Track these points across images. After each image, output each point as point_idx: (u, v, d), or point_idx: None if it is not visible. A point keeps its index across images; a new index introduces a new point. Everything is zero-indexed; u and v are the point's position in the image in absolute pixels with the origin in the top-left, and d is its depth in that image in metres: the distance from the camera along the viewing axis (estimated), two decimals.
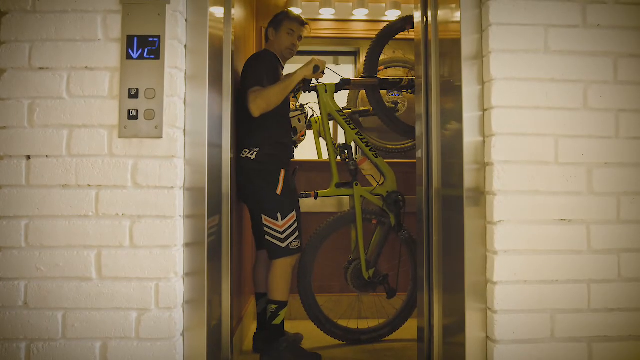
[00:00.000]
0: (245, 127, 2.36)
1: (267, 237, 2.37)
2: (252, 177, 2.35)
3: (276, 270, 2.36)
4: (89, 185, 1.43)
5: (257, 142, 2.37)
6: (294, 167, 2.61)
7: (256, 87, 2.32)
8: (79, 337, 1.41)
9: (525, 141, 1.48)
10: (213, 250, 1.58)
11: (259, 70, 2.37)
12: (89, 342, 1.41)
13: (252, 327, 2.94)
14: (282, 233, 2.35)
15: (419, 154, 1.88)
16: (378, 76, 2.86)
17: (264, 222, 2.36)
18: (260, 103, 2.30)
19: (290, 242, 2.36)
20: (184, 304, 1.47)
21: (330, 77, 2.70)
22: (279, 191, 2.35)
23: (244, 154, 2.34)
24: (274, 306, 2.36)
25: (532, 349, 1.45)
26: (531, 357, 1.45)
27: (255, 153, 2.35)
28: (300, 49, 2.67)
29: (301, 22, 2.58)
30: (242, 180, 2.35)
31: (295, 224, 2.38)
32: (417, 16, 1.90)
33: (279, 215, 2.34)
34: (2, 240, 1.42)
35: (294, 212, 2.38)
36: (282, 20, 2.55)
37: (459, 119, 1.54)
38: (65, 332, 1.41)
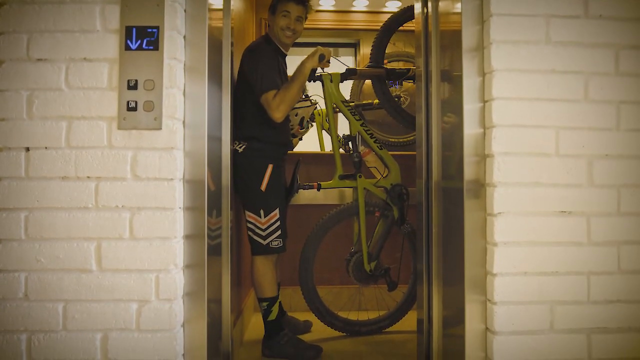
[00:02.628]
0: (237, 118, 2.33)
1: (249, 232, 2.36)
2: (239, 170, 2.32)
3: (258, 268, 2.36)
4: (88, 177, 1.43)
5: (246, 136, 2.34)
6: (297, 159, 2.61)
7: (273, 92, 2.28)
8: (79, 328, 1.42)
9: (525, 133, 1.47)
10: (213, 242, 1.58)
11: (268, 71, 2.31)
12: (89, 333, 1.42)
13: (252, 320, 2.96)
14: (264, 230, 2.33)
15: (419, 146, 1.88)
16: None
17: (247, 217, 2.35)
18: (284, 108, 2.28)
19: (271, 241, 2.33)
20: (184, 296, 1.47)
21: (334, 68, 2.68)
22: (263, 187, 2.32)
23: (233, 145, 2.33)
24: (265, 304, 2.36)
25: (532, 340, 1.46)
26: (530, 348, 1.46)
27: (244, 147, 2.33)
28: (301, 40, 2.64)
29: (298, 0, 2.41)
30: (232, 172, 2.34)
31: (278, 222, 2.35)
32: (418, 7, 1.89)
33: (261, 211, 2.32)
34: (2, 232, 1.42)
35: (277, 210, 2.35)
36: (276, 2, 2.44)
37: (460, 111, 1.54)
38: (65, 323, 1.42)
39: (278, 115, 2.28)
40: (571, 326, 1.47)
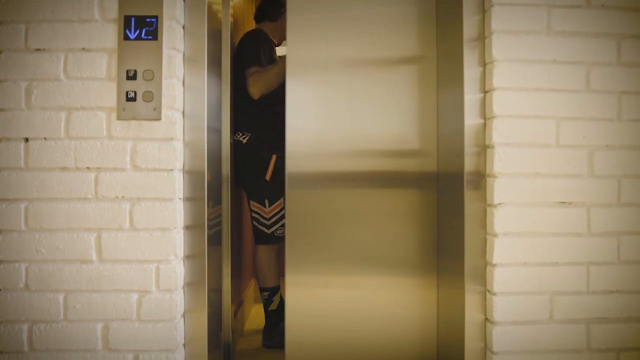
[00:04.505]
0: (239, 109, 2.34)
1: (254, 222, 2.38)
2: (243, 160, 2.34)
3: (261, 257, 2.38)
4: (88, 167, 1.43)
5: (249, 126, 2.35)
6: None
7: (254, 68, 2.29)
8: (80, 318, 1.42)
9: (526, 123, 1.47)
10: (213, 232, 1.58)
11: (255, 49, 2.34)
12: (90, 323, 1.42)
13: (253, 310, 2.96)
14: (268, 219, 2.35)
15: None
16: None
17: (252, 207, 2.37)
18: (261, 85, 2.29)
19: (276, 230, 2.36)
20: (184, 286, 1.48)
21: None
22: (268, 177, 2.34)
23: (237, 137, 2.33)
24: (266, 293, 2.38)
25: (531, 330, 1.46)
26: (530, 338, 1.46)
27: (248, 138, 2.33)
28: None
29: None
30: (235, 163, 2.35)
31: (283, 211, 2.36)
32: None
33: (266, 201, 2.34)
34: (2, 222, 1.42)
35: (281, 199, 2.37)
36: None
37: (460, 101, 1.53)
38: (66, 313, 1.42)
39: (253, 90, 2.29)
40: (570, 316, 1.47)
